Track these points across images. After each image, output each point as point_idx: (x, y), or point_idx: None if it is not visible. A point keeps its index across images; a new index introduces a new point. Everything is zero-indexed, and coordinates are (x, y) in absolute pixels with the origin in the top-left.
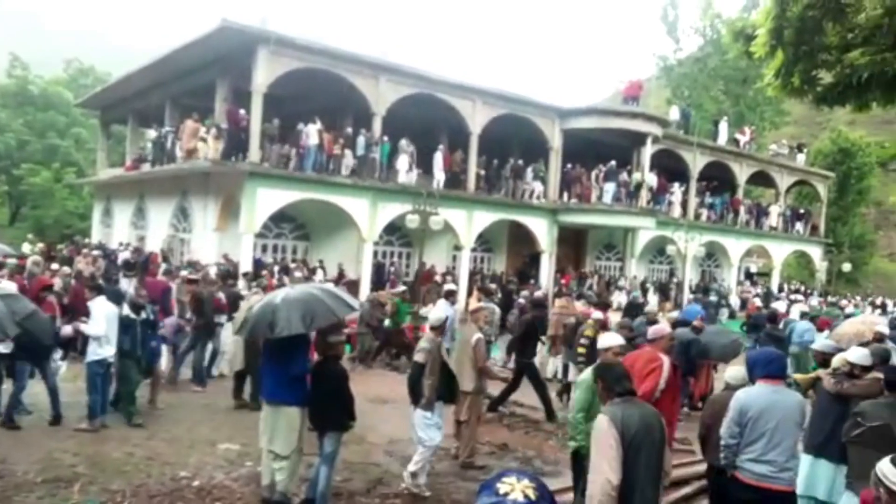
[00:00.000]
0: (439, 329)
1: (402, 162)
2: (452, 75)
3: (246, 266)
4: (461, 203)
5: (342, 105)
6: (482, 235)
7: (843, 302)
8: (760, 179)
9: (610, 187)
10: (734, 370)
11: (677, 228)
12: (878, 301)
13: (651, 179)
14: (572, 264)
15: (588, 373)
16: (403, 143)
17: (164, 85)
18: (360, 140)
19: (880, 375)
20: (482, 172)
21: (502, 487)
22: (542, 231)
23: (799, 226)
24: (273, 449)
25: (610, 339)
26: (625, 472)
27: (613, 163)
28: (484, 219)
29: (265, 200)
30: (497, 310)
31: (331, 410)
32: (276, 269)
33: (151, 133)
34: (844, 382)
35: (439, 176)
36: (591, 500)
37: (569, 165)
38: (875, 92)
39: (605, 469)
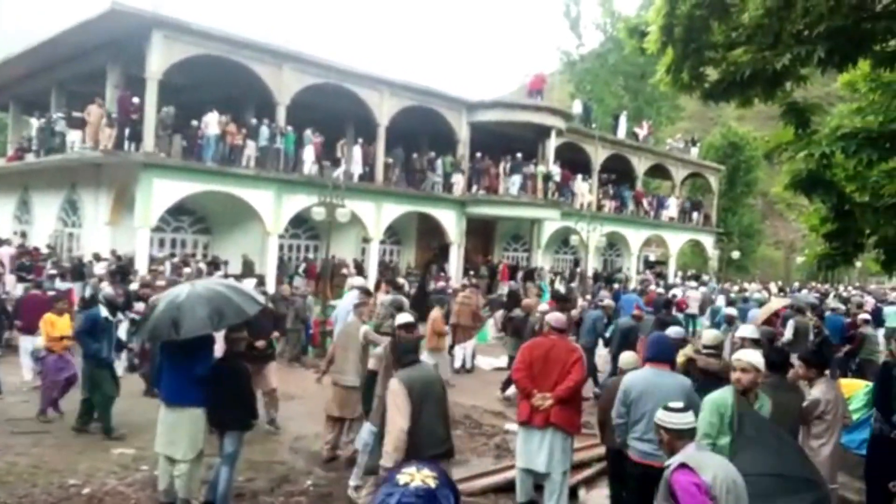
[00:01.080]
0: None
1: (308, 153)
2: (359, 65)
3: (142, 262)
4: (369, 195)
5: (244, 94)
6: (391, 227)
7: (753, 286)
8: (658, 172)
9: (517, 179)
10: (626, 355)
11: (580, 219)
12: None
13: (555, 172)
14: (481, 255)
15: (720, 393)
16: (309, 133)
17: (50, 69)
18: (264, 130)
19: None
20: (390, 161)
21: (402, 478)
22: (451, 223)
23: (695, 216)
24: (174, 453)
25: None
26: (415, 419)
27: (520, 155)
28: (393, 211)
29: (162, 192)
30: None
31: (232, 409)
32: (168, 263)
33: (36, 121)
34: (710, 360)
35: (356, 169)
36: (389, 440)
37: (478, 155)
38: (757, 88)
39: (398, 419)
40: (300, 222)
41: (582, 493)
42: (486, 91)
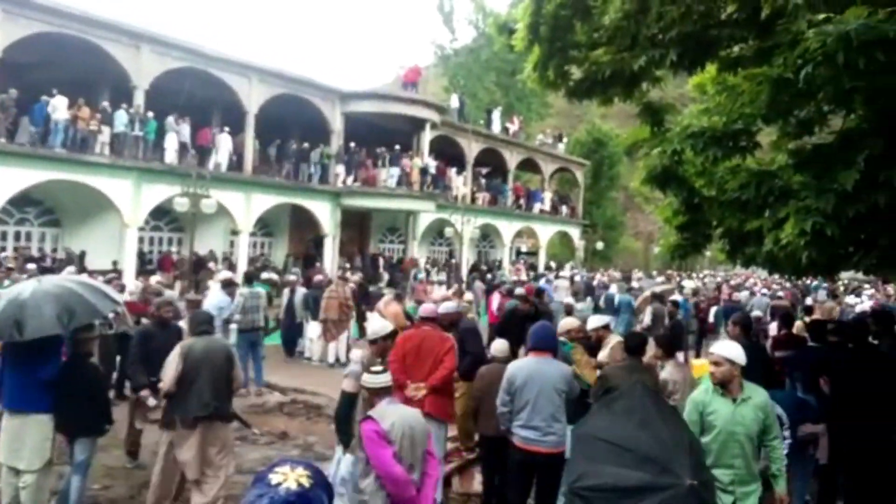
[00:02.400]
0: (379, 344)
1: (171, 141)
2: (227, 50)
3: None
4: (238, 185)
5: (97, 77)
6: (262, 219)
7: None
8: (528, 166)
9: (394, 171)
10: (498, 343)
11: (455, 211)
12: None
13: (431, 164)
14: (356, 247)
15: (700, 392)
16: (171, 120)
17: None
18: (121, 115)
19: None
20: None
21: (275, 478)
22: (326, 215)
23: (563, 209)
24: (17, 463)
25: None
26: (185, 381)
27: (398, 147)
28: (263, 202)
29: (2, 181)
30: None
31: (84, 414)
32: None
33: None
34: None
35: (222, 159)
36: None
37: (353, 146)
38: (616, 88)
39: (168, 374)
40: (162, 214)
41: (455, 481)
42: (361, 82)
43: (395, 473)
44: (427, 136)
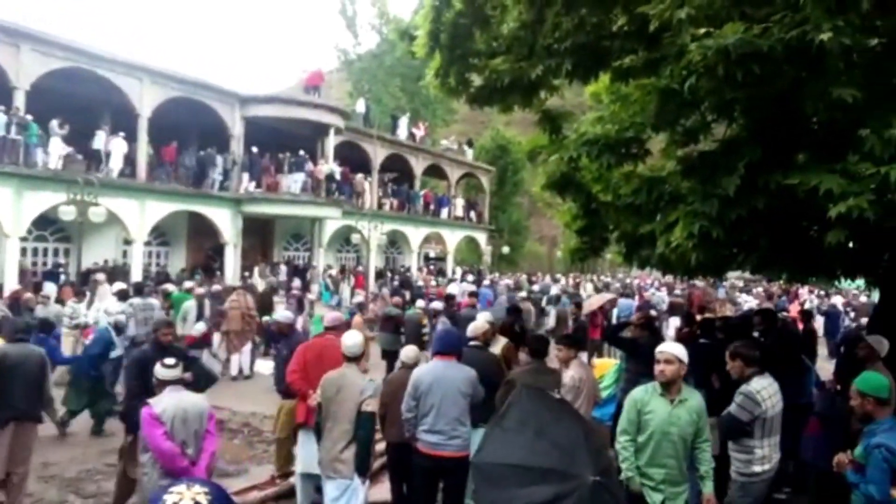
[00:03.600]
0: (359, 358)
1: (55, 145)
2: (116, 50)
3: None
4: (131, 192)
5: None
6: (158, 228)
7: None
8: (435, 172)
9: (299, 177)
10: (408, 349)
11: (362, 218)
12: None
13: (336, 170)
14: (260, 255)
15: (640, 391)
16: (55, 124)
17: None
18: None
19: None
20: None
21: (170, 498)
22: (226, 222)
23: (472, 214)
24: None
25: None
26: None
27: (301, 152)
28: (159, 209)
29: None
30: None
31: None
32: None
33: None
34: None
35: (116, 165)
36: None
37: (254, 151)
38: (516, 95)
39: None
40: (47, 223)
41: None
42: (264, 86)
43: (163, 448)
44: (331, 141)
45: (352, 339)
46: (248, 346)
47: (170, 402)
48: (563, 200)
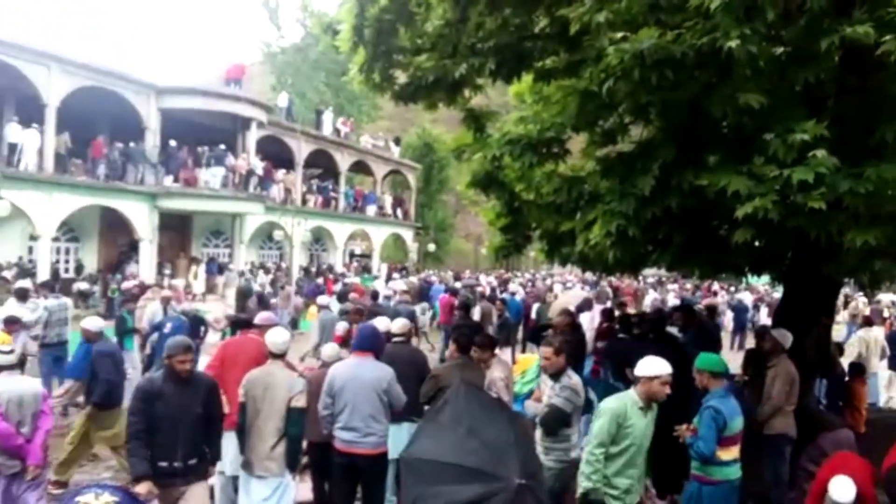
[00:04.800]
0: (285, 355)
1: None
2: (22, 36)
3: None
4: (37, 185)
5: None
6: (67, 223)
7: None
8: (360, 168)
9: (218, 172)
10: (326, 348)
11: (285, 213)
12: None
13: (258, 165)
14: (177, 252)
15: (615, 399)
16: None
17: None
18: None
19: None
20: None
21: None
22: (141, 217)
23: (399, 212)
24: None
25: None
26: None
27: (222, 146)
28: (68, 203)
29: None
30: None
31: None
32: None
33: None
34: None
35: (29, 158)
36: None
37: (172, 145)
38: (440, 93)
39: None
40: None
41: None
42: (183, 79)
43: None
44: (253, 135)
45: (278, 336)
46: None
47: (5, 387)
48: (488, 198)
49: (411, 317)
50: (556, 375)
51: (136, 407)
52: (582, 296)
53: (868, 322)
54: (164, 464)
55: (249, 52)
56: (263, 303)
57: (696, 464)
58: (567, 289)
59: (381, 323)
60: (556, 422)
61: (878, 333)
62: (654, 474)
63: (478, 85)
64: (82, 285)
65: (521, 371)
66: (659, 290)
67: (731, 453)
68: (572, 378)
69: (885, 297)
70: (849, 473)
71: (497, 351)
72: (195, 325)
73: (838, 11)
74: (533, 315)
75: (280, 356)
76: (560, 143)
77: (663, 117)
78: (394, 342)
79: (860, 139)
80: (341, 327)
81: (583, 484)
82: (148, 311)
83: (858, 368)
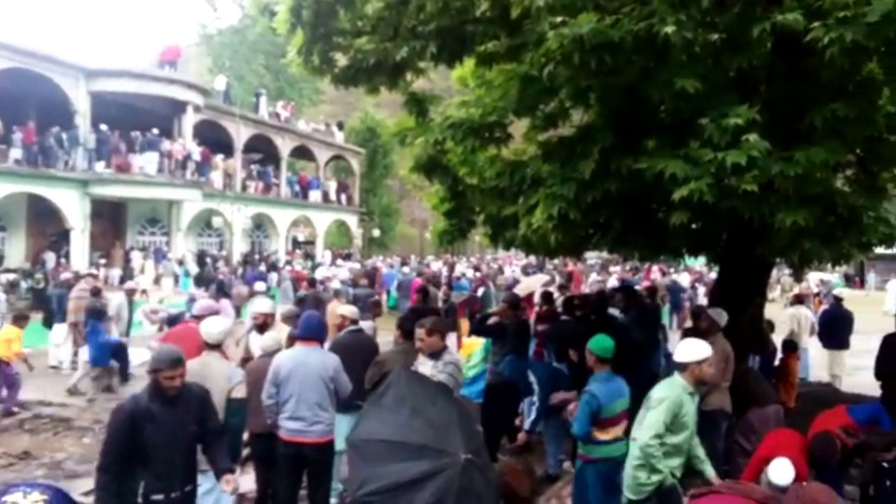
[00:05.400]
0: (221, 345)
1: None
2: None
3: None
4: None
5: None
6: None
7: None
8: (302, 153)
9: (152, 157)
10: (266, 338)
11: (224, 200)
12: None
13: (195, 150)
14: (111, 241)
15: (668, 388)
16: None
17: None
18: None
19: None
20: None
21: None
22: (72, 205)
23: (343, 197)
24: None
25: None
26: None
27: (156, 131)
28: None
29: None
30: None
31: None
32: None
33: None
34: None
35: None
36: None
37: (103, 129)
38: (382, 76)
39: None
40: None
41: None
42: (116, 61)
43: None
44: (189, 119)
45: (214, 326)
46: None
47: None
48: (431, 183)
49: (375, 303)
50: (434, 355)
51: (119, 433)
52: (543, 280)
53: (799, 300)
54: (159, 496)
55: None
56: (222, 290)
57: (579, 443)
58: (528, 274)
59: (347, 310)
60: None
61: (806, 311)
62: None
63: (419, 68)
64: (8, 276)
65: (466, 355)
66: (601, 272)
67: (611, 433)
68: (454, 355)
69: (812, 276)
70: (788, 454)
71: None
72: None
73: None
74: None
75: (216, 346)
76: (502, 127)
77: (603, 102)
78: (348, 331)
79: (790, 124)
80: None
81: (652, 479)
82: (113, 305)
83: (791, 345)
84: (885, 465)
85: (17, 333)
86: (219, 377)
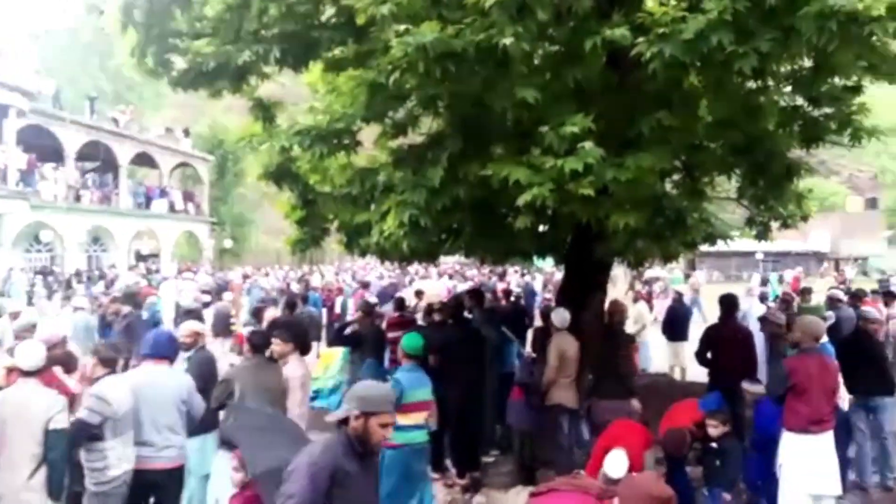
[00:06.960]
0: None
1: None
2: None
3: None
4: None
5: None
6: None
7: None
8: (143, 160)
9: None
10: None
11: (55, 212)
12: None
13: (19, 158)
14: None
15: None
16: None
17: None
18: None
19: None
20: None
21: None
22: None
23: (190, 207)
24: None
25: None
26: None
27: None
28: None
29: None
30: None
31: None
32: None
33: None
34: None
35: None
36: None
37: None
38: (224, 80)
39: None
40: None
41: None
42: None
43: None
44: (12, 124)
45: (29, 351)
46: None
47: None
48: (281, 190)
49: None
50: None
51: (310, 495)
52: (445, 287)
53: (637, 298)
54: None
55: (9, 32)
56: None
57: None
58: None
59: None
60: (81, 435)
61: (642, 307)
62: (454, 454)
63: (264, 73)
64: None
65: (324, 365)
66: (455, 276)
67: (412, 419)
68: (101, 386)
69: (650, 273)
70: (622, 444)
71: None
72: None
73: (601, 14)
74: (337, 309)
75: (32, 374)
76: (351, 134)
77: (451, 110)
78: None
79: (622, 132)
80: None
81: None
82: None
83: (630, 338)
84: (713, 445)
85: None
86: (36, 406)
